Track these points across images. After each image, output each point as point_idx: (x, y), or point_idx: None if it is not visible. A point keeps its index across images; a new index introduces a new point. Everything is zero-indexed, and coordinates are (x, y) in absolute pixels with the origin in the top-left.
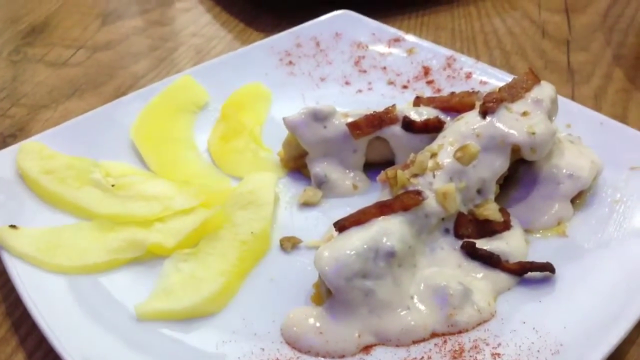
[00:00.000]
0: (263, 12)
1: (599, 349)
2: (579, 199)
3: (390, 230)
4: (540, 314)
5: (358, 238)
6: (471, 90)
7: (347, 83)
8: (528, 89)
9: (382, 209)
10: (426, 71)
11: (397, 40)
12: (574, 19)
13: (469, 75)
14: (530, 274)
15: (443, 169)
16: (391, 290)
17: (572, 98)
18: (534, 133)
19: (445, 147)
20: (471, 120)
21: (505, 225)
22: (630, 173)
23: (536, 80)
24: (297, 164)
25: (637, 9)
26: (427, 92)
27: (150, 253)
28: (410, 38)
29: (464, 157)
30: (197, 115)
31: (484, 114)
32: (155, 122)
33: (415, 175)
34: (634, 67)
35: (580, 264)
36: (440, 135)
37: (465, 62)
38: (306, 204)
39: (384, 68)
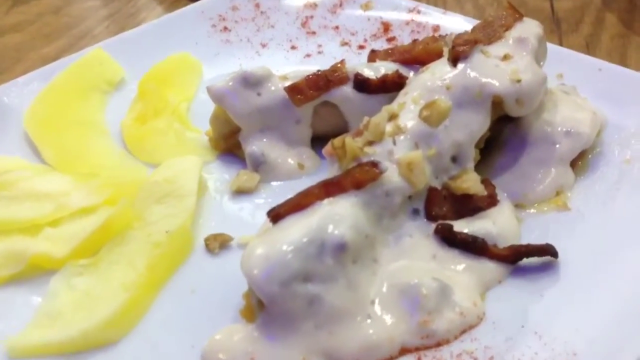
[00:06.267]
0: None
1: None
2: (580, 162)
3: (338, 215)
4: (543, 313)
5: (296, 229)
6: (437, 36)
7: (293, 47)
8: (508, 27)
9: (327, 188)
10: (386, 27)
11: None
12: None
13: (436, 29)
14: (526, 260)
15: (406, 133)
16: (344, 296)
17: None
18: (519, 80)
19: (408, 105)
20: (439, 70)
21: (491, 200)
22: None
23: (518, 15)
24: (228, 144)
25: None
26: None
27: (34, 267)
28: None
29: (431, 116)
30: (110, 95)
31: (454, 60)
32: (56, 105)
33: (371, 143)
34: (628, 11)
35: (588, 244)
36: (402, 92)
37: (432, 13)
38: (240, 191)
39: (336, 27)
